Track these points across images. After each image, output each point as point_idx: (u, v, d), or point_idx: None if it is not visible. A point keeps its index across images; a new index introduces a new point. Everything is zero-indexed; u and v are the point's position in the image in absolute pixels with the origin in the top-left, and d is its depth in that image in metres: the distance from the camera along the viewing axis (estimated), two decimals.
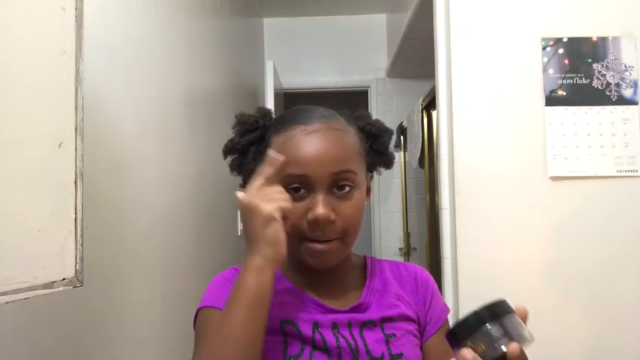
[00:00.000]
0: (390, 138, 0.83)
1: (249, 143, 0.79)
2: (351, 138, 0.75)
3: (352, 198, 0.72)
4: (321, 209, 0.68)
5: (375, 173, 0.84)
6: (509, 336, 0.54)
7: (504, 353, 0.53)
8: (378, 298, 0.77)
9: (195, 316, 0.76)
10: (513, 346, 0.54)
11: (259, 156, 0.76)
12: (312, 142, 0.71)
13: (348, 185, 0.71)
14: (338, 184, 0.71)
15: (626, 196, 1.49)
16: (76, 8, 0.55)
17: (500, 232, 1.49)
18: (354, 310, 0.75)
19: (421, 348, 0.78)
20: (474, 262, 1.49)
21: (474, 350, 0.54)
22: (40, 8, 0.51)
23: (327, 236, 0.71)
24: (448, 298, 1.53)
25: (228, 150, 0.81)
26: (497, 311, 0.55)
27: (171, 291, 1.38)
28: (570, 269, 1.48)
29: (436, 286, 0.83)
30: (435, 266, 2.61)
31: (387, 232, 3.51)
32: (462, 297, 1.49)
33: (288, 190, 0.69)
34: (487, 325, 0.55)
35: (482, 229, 1.49)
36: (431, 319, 0.79)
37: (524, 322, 0.57)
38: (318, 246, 0.71)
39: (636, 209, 1.49)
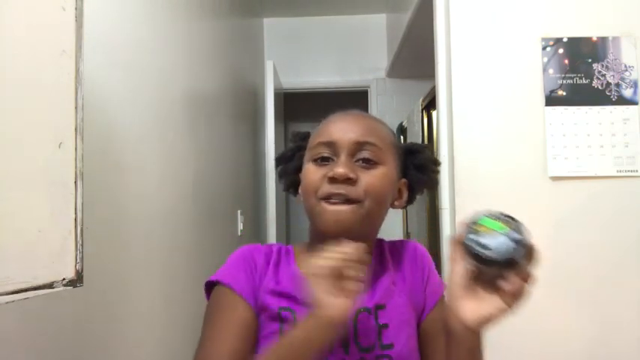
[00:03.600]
0: (432, 162, 0.84)
1: (296, 148, 0.84)
2: (385, 130, 0.79)
3: (377, 169, 0.74)
4: (340, 168, 0.71)
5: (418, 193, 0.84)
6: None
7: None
8: (374, 281, 0.77)
9: (208, 287, 0.76)
10: None
11: (301, 160, 0.81)
12: (343, 118, 0.78)
13: (373, 159, 0.74)
14: (362, 156, 0.73)
15: (626, 196, 1.49)
16: (76, 8, 0.55)
17: None
18: None
19: (420, 325, 0.78)
20: None
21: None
22: (40, 8, 0.51)
23: (346, 195, 0.71)
24: (448, 298, 1.53)
25: (279, 158, 0.87)
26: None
27: (171, 291, 1.38)
28: (570, 269, 1.48)
29: (432, 262, 0.85)
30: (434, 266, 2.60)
31: (387, 232, 3.50)
32: None
33: (315, 160, 0.75)
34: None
35: None
36: (429, 293, 0.80)
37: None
38: (331, 206, 0.71)
39: (636, 209, 1.49)
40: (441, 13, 1.59)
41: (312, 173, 0.75)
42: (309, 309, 0.61)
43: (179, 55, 1.53)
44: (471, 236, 0.61)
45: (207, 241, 1.78)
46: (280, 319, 0.71)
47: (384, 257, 0.81)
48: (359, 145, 0.74)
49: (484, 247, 0.59)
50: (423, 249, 0.85)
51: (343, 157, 0.73)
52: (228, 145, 2.17)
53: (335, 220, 0.71)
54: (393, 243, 0.85)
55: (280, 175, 0.87)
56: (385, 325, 0.73)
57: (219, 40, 2.09)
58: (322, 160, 0.74)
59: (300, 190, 0.80)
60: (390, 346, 0.72)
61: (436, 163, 0.85)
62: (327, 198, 0.72)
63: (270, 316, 0.72)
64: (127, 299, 1.09)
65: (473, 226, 0.62)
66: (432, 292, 0.80)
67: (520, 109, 1.52)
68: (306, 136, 0.84)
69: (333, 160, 0.74)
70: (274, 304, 0.72)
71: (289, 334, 0.63)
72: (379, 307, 0.74)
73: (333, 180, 0.71)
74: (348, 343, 0.71)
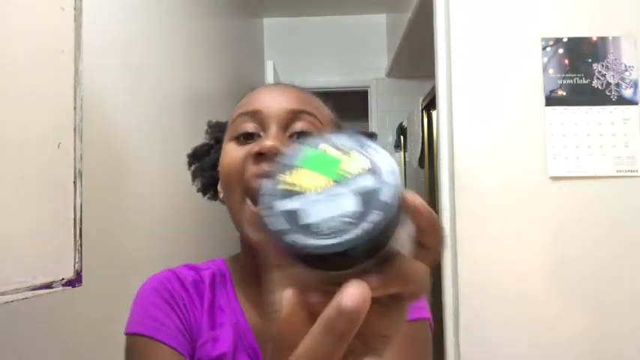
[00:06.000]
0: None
1: (215, 140, 0.71)
2: (325, 106, 0.66)
3: None
4: (270, 140, 0.55)
5: None
6: None
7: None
8: None
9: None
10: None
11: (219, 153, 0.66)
12: (271, 88, 0.64)
13: (312, 132, 0.58)
14: (298, 128, 0.58)
15: (626, 196, 1.49)
16: (75, 8, 0.55)
17: (500, 232, 1.49)
18: None
19: None
20: (474, 262, 1.49)
21: None
22: (39, 8, 0.51)
23: None
24: (448, 298, 1.53)
25: (193, 154, 0.72)
26: None
27: None
28: (570, 269, 1.48)
29: None
30: (434, 266, 2.60)
31: None
32: (462, 297, 1.49)
33: (237, 138, 0.58)
34: None
35: (482, 229, 1.49)
36: None
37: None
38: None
39: (636, 209, 1.48)
40: (441, 13, 1.59)
41: (231, 153, 0.58)
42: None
43: (179, 55, 1.52)
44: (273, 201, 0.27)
45: (207, 241, 1.77)
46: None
47: None
48: (293, 115, 0.58)
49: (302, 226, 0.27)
50: None
51: (274, 129, 0.57)
52: None
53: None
54: None
55: (194, 175, 0.71)
56: None
57: (219, 40, 2.09)
58: (245, 138, 0.58)
59: (219, 187, 0.63)
60: None
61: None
62: (254, 194, 0.54)
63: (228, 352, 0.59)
64: (126, 299, 1.09)
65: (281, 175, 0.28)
66: None
67: (520, 109, 1.52)
68: (224, 127, 0.67)
69: (259, 136, 0.58)
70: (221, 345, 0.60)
71: None
72: None
73: (259, 157, 0.55)
74: None
